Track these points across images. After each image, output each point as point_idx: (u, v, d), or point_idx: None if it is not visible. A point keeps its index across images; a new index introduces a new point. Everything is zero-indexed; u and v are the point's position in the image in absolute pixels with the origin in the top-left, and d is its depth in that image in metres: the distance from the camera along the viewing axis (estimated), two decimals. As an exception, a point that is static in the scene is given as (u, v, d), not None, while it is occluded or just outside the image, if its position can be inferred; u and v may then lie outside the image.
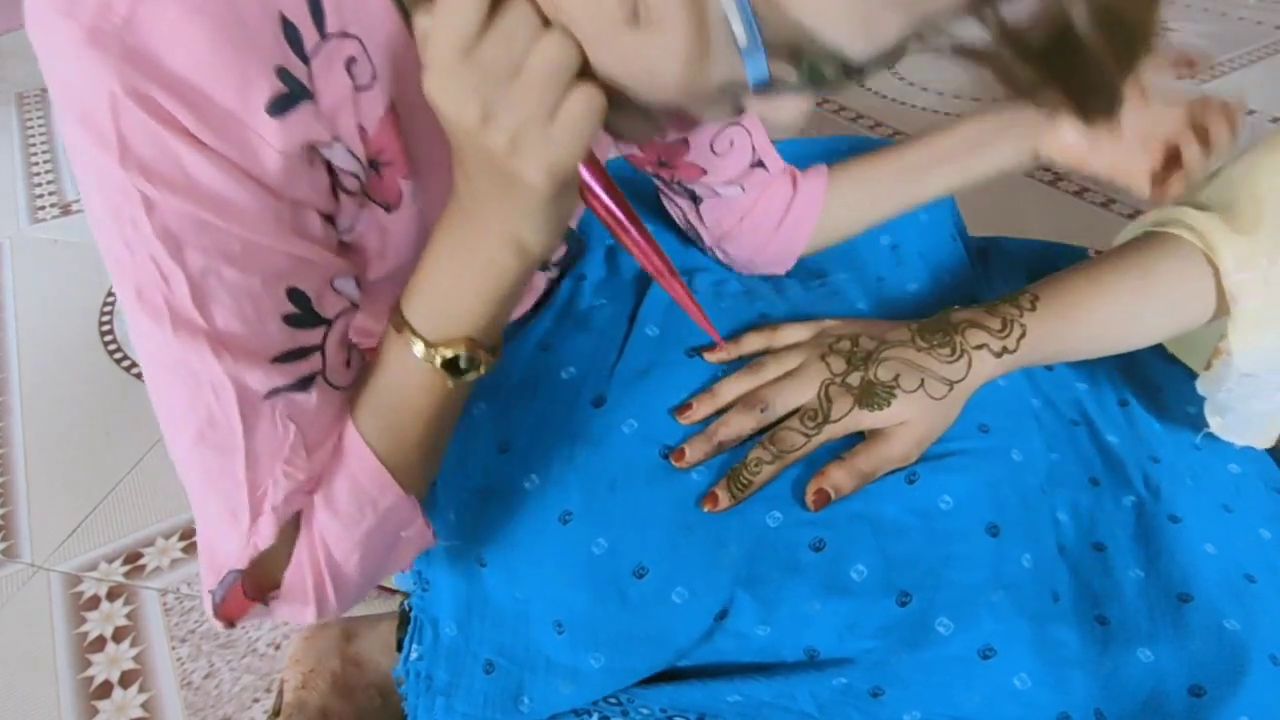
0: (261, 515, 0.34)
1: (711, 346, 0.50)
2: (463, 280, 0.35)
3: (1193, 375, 0.58)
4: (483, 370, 0.37)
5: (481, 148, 0.29)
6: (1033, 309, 0.47)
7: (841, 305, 0.56)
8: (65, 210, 1.27)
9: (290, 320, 0.33)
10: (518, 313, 0.53)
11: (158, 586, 0.75)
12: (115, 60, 0.27)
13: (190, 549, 0.78)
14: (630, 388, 0.47)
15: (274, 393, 0.33)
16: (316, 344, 0.35)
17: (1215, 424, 0.51)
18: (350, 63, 0.32)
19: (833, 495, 0.43)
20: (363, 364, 0.38)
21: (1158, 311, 0.48)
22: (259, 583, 0.37)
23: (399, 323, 0.36)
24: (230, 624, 0.37)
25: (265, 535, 0.34)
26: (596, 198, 0.33)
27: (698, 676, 0.43)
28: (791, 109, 0.29)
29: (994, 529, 0.43)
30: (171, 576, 0.76)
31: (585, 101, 0.28)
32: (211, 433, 0.33)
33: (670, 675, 0.44)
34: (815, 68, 0.26)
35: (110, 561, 0.77)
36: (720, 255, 0.59)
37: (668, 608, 0.42)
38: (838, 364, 0.46)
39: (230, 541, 0.34)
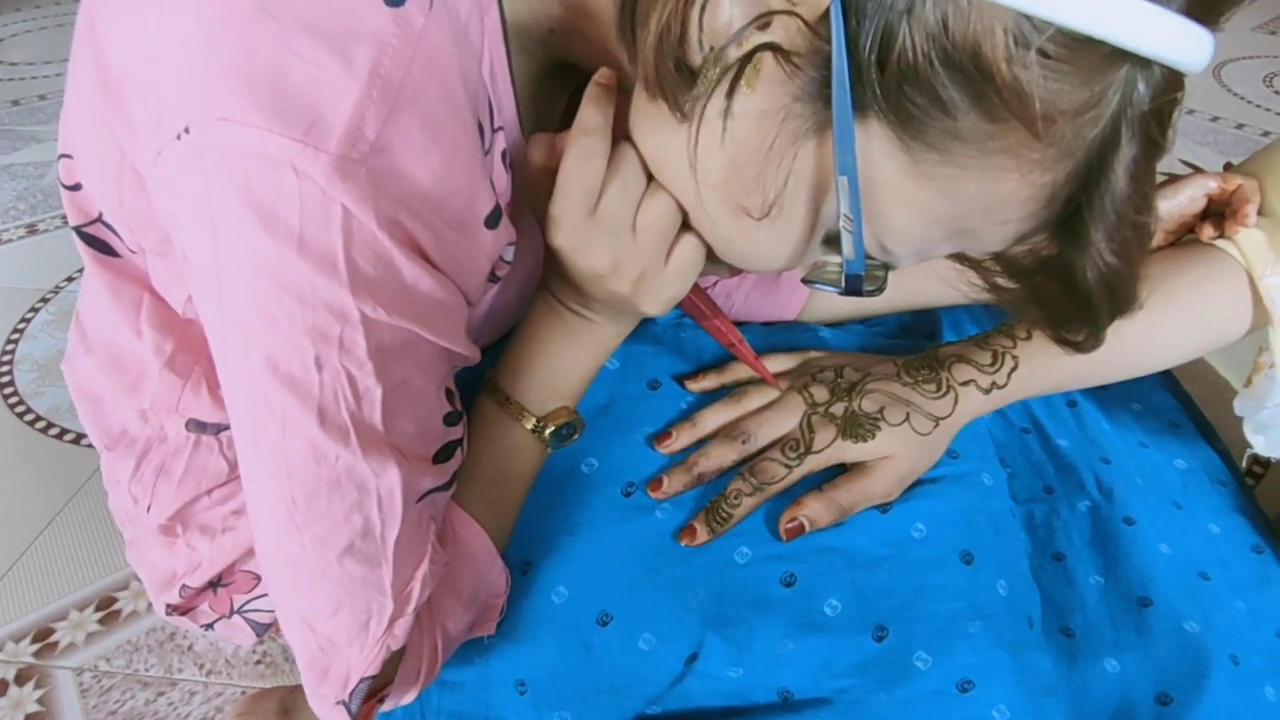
0: (401, 618, 0.34)
1: (692, 375, 0.49)
2: (576, 363, 0.41)
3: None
4: (577, 435, 0.43)
5: (607, 291, 0.35)
6: (1028, 338, 0.45)
7: (805, 331, 0.55)
8: (-46, 254, 1.17)
9: (447, 419, 0.34)
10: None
11: (72, 665, 0.68)
12: (365, 189, 0.26)
13: (108, 619, 0.71)
14: (590, 424, 0.46)
15: (427, 494, 0.33)
16: (459, 438, 0.36)
17: (1258, 443, 0.48)
18: (504, 155, 0.33)
19: (807, 527, 0.42)
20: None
21: (1179, 328, 0.45)
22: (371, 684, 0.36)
23: (501, 400, 0.41)
24: None
25: (400, 637, 0.34)
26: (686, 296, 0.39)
27: (668, 725, 0.41)
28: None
29: (968, 556, 0.43)
30: (88, 653, 0.69)
31: (693, 250, 0.34)
32: (364, 544, 0.32)
33: (640, 726, 0.42)
34: (872, 261, 0.32)
35: (18, 640, 0.70)
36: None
37: (634, 656, 0.41)
38: (820, 394, 0.46)
39: (356, 649, 0.33)
